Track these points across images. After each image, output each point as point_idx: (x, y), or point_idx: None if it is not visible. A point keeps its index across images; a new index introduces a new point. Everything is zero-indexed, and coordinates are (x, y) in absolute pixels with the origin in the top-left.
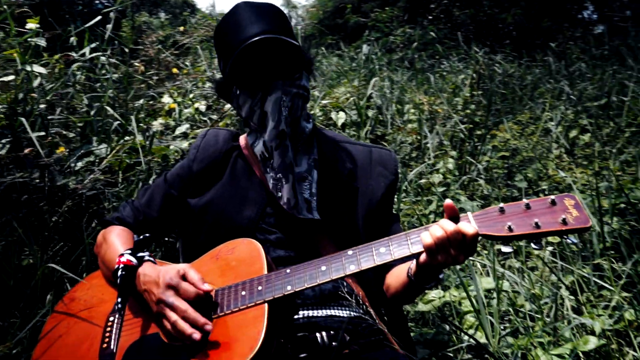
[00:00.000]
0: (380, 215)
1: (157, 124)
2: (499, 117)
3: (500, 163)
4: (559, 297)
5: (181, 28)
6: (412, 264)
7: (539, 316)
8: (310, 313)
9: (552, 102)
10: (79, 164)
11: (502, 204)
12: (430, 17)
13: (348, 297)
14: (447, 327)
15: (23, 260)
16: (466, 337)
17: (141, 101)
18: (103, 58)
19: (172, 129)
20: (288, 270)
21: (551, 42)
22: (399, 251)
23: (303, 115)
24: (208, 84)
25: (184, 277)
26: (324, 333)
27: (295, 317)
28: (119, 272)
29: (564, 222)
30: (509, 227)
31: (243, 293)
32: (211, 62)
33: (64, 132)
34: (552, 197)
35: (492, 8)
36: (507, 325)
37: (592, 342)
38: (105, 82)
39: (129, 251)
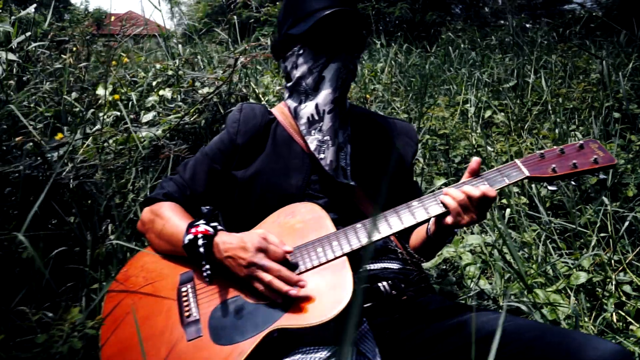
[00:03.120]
0: (409, 179)
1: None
2: (421, 102)
3: (431, 141)
4: (542, 244)
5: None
6: (431, 223)
7: (527, 264)
8: (369, 266)
9: (461, 87)
10: (55, 155)
11: (541, 151)
12: None
13: (399, 250)
14: (454, 279)
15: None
16: (472, 286)
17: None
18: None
19: (136, 117)
20: (359, 225)
21: (439, 35)
22: None
23: (347, 93)
24: (170, 72)
25: (266, 240)
26: (384, 283)
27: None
28: (200, 241)
29: (596, 161)
30: (553, 169)
31: (319, 249)
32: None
33: (32, 123)
34: (580, 142)
35: (379, 2)
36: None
37: (583, 277)
38: (37, 74)
39: (204, 221)
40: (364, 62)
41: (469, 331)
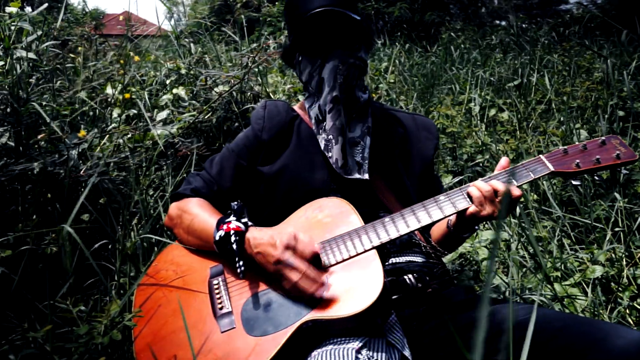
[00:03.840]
0: (431, 173)
1: (115, 113)
2: (428, 100)
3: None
4: (556, 239)
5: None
6: (452, 217)
7: (537, 259)
8: (394, 260)
9: (465, 86)
10: (74, 152)
11: (564, 146)
12: None
13: (422, 244)
14: (471, 274)
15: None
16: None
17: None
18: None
19: (152, 116)
20: (387, 219)
21: (439, 35)
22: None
23: (358, 84)
24: (183, 70)
25: (295, 239)
26: (410, 276)
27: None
28: (233, 238)
29: (618, 157)
30: (577, 164)
31: (348, 243)
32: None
33: (48, 120)
34: (602, 138)
35: (379, 2)
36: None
37: (599, 270)
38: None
39: (234, 218)
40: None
41: (493, 322)
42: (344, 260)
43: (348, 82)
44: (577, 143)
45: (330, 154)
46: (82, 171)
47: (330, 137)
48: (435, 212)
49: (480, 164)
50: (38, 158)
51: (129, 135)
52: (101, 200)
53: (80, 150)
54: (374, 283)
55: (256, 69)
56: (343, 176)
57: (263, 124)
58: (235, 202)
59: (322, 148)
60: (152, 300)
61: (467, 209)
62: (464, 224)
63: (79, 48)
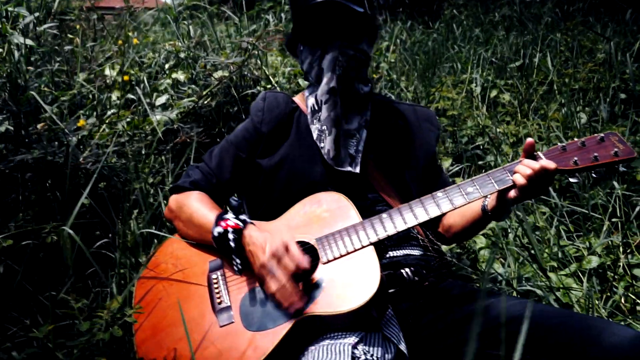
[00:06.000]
0: (434, 164)
1: (115, 96)
2: (429, 82)
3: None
4: (554, 228)
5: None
6: (488, 201)
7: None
8: (392, 253)
9: (467, 66)
10: (74, 139)
11: (562, 143)
12: None
13: (420, 237)
14: (468, 263)
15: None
16: (486, 269)
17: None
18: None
19: (151, 101)
20: (384, 215)
21: (441, 10)
22: (485, 189)
23: (358, 77)
24: (183, 54)
25: (286, 249)
26: (407, 269)
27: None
28: (231, 236)
29: (616, 154)
30: (575, 162)
31: (346, 238)
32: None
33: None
34: (601, 134)
35: None
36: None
37: (595, 261)
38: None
39: (233, 215)
40: None
41: (491, 316)
42: (342, 256)
43: (347, 73)
44: (575, 140)
45: (322, 145)
46: (81, 159)
47: (324, 127)
48: (432, 209)
49: (481, 147)
50: (37, 147)
51: (128, 119)
52: (100, 184)
53: (79, 137)
54: (371, 279)
55: (255, 52)
56: (334, 168)
57: (262, 116)
58: (234, 199)
59: (315, 138)
60: (152, 293)
61: (505, 190)
62: (504, 206)
63: (77, 27)
